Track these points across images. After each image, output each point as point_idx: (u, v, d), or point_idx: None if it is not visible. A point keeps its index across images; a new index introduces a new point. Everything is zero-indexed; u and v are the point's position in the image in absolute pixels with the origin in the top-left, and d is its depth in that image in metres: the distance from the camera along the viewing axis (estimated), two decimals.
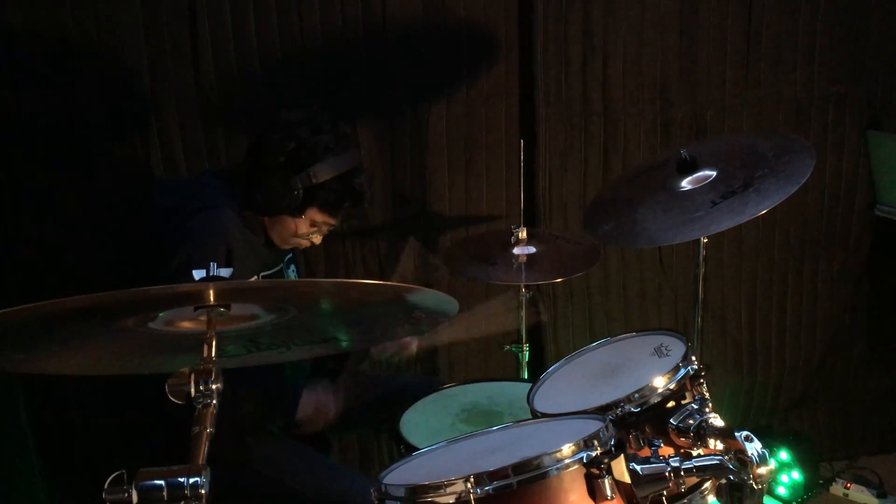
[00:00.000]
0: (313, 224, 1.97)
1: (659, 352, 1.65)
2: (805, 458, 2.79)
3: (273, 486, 1.91)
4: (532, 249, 2.28)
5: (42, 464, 2.48)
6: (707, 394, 1.55)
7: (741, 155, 2.01)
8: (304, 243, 2.04)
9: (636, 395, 1.51)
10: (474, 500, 1.25)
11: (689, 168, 2.00)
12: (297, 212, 1.92)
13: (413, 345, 2.25)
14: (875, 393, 3.13)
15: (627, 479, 1.32)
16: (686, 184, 1.99)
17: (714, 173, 1.96)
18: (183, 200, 1.93)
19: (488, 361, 2.78)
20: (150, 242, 1.95)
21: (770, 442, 2.76)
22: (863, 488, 2.80)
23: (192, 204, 1.90)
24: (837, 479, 2.85)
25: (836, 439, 3.10)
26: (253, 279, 1.94)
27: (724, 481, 1.46)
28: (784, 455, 2.77)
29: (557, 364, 1.78)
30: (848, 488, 2.81)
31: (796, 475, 2.77)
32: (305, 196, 1.88)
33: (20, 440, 2.42)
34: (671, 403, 1.52)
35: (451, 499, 1.26)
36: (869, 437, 3.10)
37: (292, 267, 2.16)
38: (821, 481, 2.85)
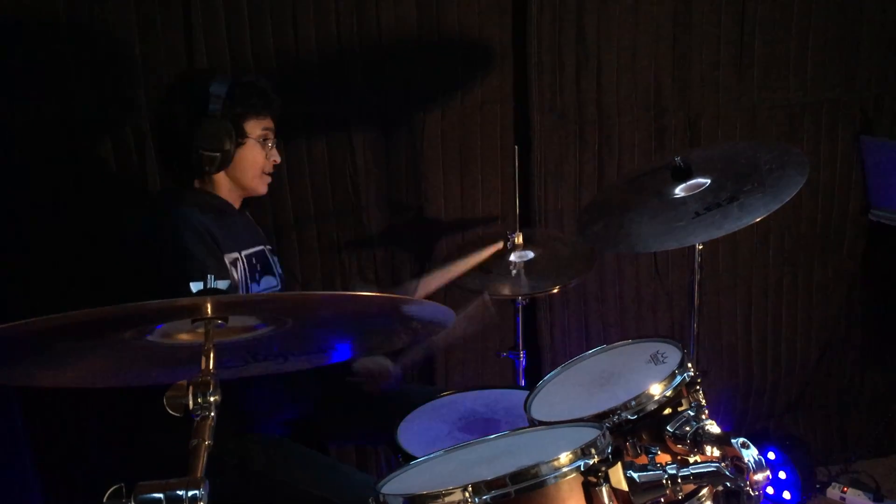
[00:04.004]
0: (259, 138, 1.99)
1: (655, 359, 1.66)
2: (801, 463, 2.79)
3: (279, 487, 1.91)
4: (530, 255, 2.27)
5: (38, 473, 2.47)
6: (703, 401, 1.56)
7: (737, 165, 1.99)
8: (269, 165, 2.04)
9: (633, 403, 1.51)
10: None
11: (683, 175, 1.99)
12: (238, 136, 1.94)
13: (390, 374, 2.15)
14: (870, 396, 3.15)
15: (625, 487, 1.32)
16: (679, 191, 1.99)
17: (708, 182, 1.96)
18: (144, 212, 2.03)
19: (485, 369, 2.78)
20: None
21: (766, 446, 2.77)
22: (859, 492, 2.80)
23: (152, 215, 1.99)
24: (834, 483, 2.85)
25: (832, 443, 3.11)
26: (239, 255, 1.97)
27: (720, 488, 1.46)
28: (779, 459, 2.78)
29: (554, 372, 1.79)
30: (845, 492, 2.81)
31: (792, 480, 2.78)
32: (226, 114, 1.90)
33: (15, 449, 2.41)
34: (668, 410, 1.52)
35: None
36: (865, 441, 3.10)
37: (275, 258, 2.16)
38: (817, 485, 2.85)
